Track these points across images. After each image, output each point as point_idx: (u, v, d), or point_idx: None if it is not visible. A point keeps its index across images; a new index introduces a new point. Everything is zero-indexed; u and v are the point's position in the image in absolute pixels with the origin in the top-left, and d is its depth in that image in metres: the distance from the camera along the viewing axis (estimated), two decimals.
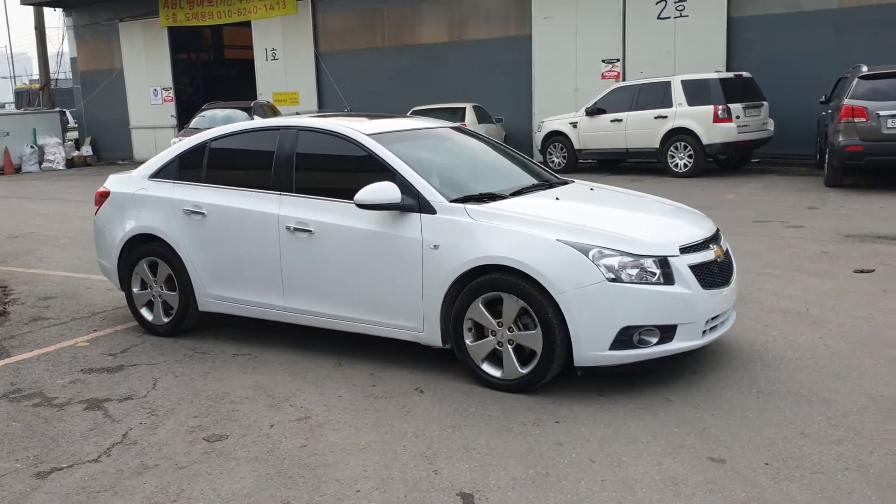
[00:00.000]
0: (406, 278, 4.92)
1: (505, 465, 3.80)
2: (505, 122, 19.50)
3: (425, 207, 4.89)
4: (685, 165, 15.30)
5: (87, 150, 27.02)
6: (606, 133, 16.36)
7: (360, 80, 22.48)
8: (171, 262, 5.93)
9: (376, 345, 5.40)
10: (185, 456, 4.04)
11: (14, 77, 64.72)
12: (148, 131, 26.28)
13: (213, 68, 30.63)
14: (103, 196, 6.38)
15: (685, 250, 4.65)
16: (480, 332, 4.77)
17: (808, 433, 4.03)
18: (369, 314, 5.14)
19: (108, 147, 27.38)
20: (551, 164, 17.27)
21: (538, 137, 17.84)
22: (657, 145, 15.58)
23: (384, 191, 4.87)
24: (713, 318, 4.76)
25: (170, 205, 5.91)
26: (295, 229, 5.29)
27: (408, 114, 17.85)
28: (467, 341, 4.80)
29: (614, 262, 4.46)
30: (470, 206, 4.84)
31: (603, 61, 18.91)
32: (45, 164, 25.04)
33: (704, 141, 14.96)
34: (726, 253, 5.08)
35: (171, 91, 26.44)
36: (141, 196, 6.10)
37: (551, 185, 5.70)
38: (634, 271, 4.47)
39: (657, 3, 17.99)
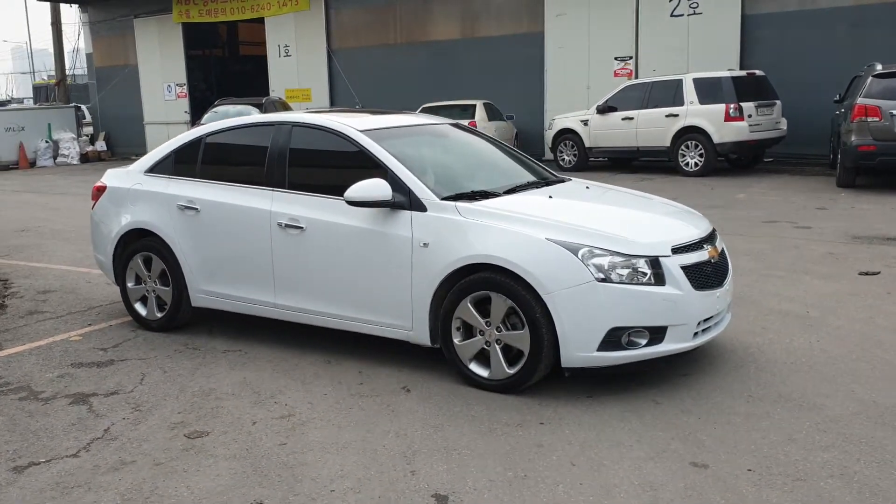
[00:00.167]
0: (395, 276, 4.87)
1: (483, 467, 3.75)
2: (516, 119, 19.43)
3: (416, 205, 4.84)
4: (696, 164, 15.16)
5: (101, 145, 27.19)
6: (617, 131, 16.24)
7: (372, 76, 22.46)
8: (164, 257, 5.91)
9: (367, 343, 5.36)
10: (163, 452, 4.01)
11: (34, 72, 65.28)
12: (161, 127, 26.35)
13: (227, 64, 30.69)
14: (100, 190, 6.38)
15: (677, 251, 4.57)
16: (469, 331, 4.72)
17: (795, 439, 3.94)
18: (359, 312, 5.10)
19: (122, 142, 27.52)
20: (562, 162, 17.19)
21: (549, 135, 17.74)
22: (668, 144, 15.46)
23: (374, 188, 4.82)
24: (706, 320, 4.68)
25: (164, 200, 5.89)
26: (286, 226, 5.25)
27: (418, 110, 17.83)
28: (455, 340, 4.74)
29: (604, 261, 4.39)
30: (461, 204, 4.78)
31: (615, 59, 18.78)
32: (59, 159, 25.20)
33: (715, 140, 14.82)
34: (721, 254, 4.99)
35: (185, 87, 26.55)
36: (136, 191, 6.09)
37: (548, 184, 5.63)
38: (624, 271, 4.40)
39: (670, 1, 17.84)
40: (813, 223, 10.00)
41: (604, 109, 16.42)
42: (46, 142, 25.09)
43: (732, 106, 14.59)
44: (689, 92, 15.14)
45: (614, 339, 4.38)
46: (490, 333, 4.60)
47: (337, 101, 22.87)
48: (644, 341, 4.44)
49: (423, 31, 21.72)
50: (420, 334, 4.88)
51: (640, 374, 4.76)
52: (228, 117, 17.98)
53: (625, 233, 4.56)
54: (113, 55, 28.04)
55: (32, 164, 24.63)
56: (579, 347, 4.38)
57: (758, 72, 15.58)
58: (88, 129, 28.93)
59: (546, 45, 19.67)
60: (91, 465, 3.89)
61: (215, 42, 30.39)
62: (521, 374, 4.53)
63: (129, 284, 6.17)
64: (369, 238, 4.95)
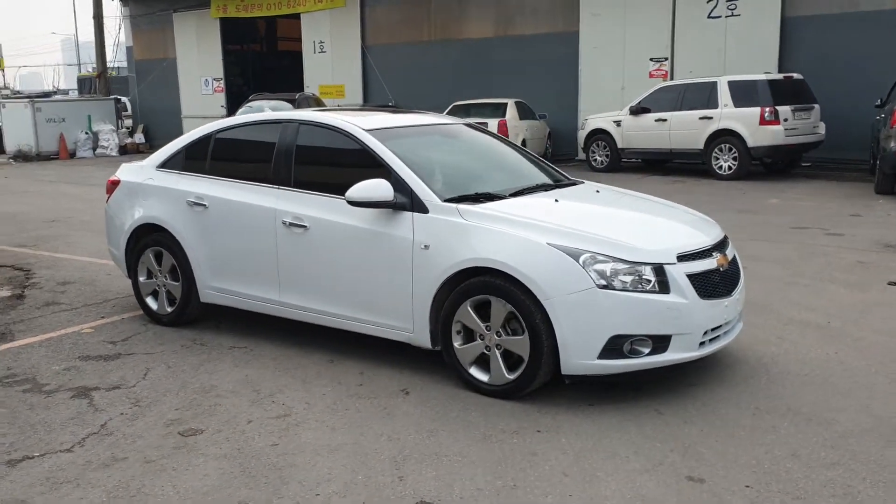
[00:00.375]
0: (397, 278, 4.81)
1: (473, 475, 3.67)
2: (549, 118, 19.26)
3: (418, 206, 4.77)
4: (730, 168, 14.88)
5: (139, 137, 27.55)
6: (650, 133, 16.01)
7: (406, 73, 22.45)
8: (174, 252, 5.92)
9: (370, 343, 5.30)
10: (155, 450, 4.00)
11: (80, 64, 66.46)
12: (198, 121, 26.54)
13: (265, 60, 30.89)
14: (114, 184, 6.42)
15: (683, 258, 4.45)
16: (469, 335, 4.64)
17: (799, 455, 3.80)
18: (361, 313, 5.05)
19: (159, 135, 27.82)
20: (594, 163, 17.02)
21: (581, 135, 17.56)
22: (701, 146, 15.19)
23: (376, 188, 4.76)
24: (713, 329, 4.55)
25: (174, 195, 5.90)
26: (290, 224, 5.22)
27: (448, 108, 17.78)
28: (456, 344, 4.67)
29: (606, 268, 4.28)
30: (462, 207, 4.70)
31: (651, 60, 18.53)
32: (98, 150, 25.59)
33: (750, 143, 14.52)
34: (732, 262, 4.85)
35: (222, 82, 26.81)
36: (148, 186, 6.11)
37: (558, 186, 5.53)
38: (628, 278, 4.29)
39: (708, 2, 17.54)
40: (846, 230, 9.74)
41: (637, 110, 16.19)
42: (86, 133, 25.50)
43: (768, 109, 14.29)
44: (724, 94, 14.85)
45: (616, 347, 4.28)
46: (490, 338, 4.52)
47: (370, 98, 22.88)
48: (647, 350, 4.33)
49: (458, 28, 21.64)
50: (421, 337, 4.81)
51: (645, 383, 4.64)
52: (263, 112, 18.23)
53: (629, 239, 4.45)
54: (152, 49, 28.42)
55: (72, 155, 25.06)
56: (579, 355, 4.28)
57: (795, 75, 15.24)
58: (128, 122, 29.36)
59: (581, 44, 19.47)
60: (83, 461, 3.89)
61: (253, 37, 30.62)
62: (520, 380, 4.44)
63: (141, 278, 6.20)
64: (371, 239, 4.90)
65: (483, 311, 4.55)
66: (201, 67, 27.08)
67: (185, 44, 27.36)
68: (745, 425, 4.15)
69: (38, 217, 12.15)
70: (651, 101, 16.10)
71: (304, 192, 5.25)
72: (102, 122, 26.19)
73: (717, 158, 15.00)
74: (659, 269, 4.32)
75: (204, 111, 26.72)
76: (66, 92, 52.57)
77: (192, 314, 6.04)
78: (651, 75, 18.40)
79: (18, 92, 51.69)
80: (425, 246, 4.69)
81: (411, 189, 4.80)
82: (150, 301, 6.20)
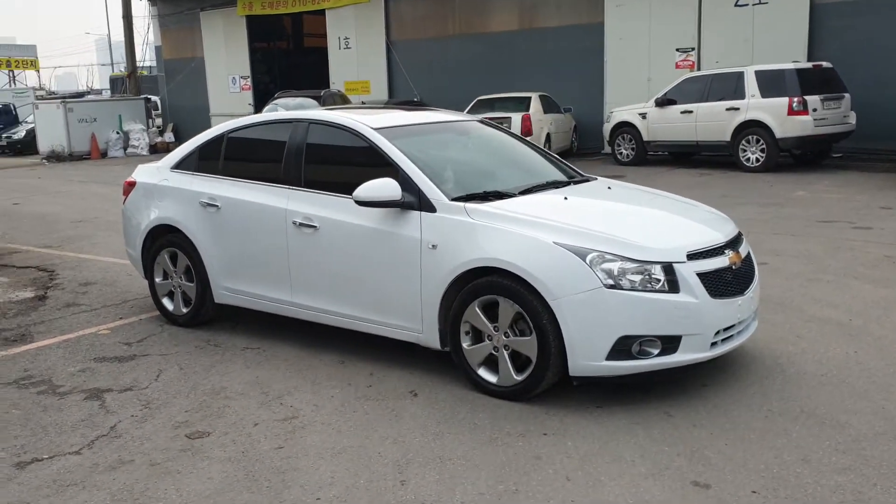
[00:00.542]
0: (405, 278, 4.79)
1: (475, 479, 3.64)
2: (574, 112, 19.11)
3: (426, 205, 4.74)
4: (757, 160, 14.64)
5: (169, 136, 27.82)
6: (676, 125, 15.80)
7: (430, 68, 22.40)
8: (189, 253, 5.96)
9: (382, 344, 5.28)
10: (162, 452, 4.02)
11: (112, 64, 67.31)
12: (226, 119, 26.80)
13: (291, 57, 31.00)
14: (130, 186, 6.47)
15: (694, 256, 4.37)
16: (478, 335, 4.60)
17: (809, 459, 3.72)
18: (371, 313, 5.04)
19: (189, 133, 27.76)
20: (619, 156, 16.85)
21: (607, 128, 17.39)
22: (728, 138, 14.95)
23: (383, 188, 4.74)
24: (726, 329, 4.47)
25: (188, 196, 5.94)
26: (301, 224, 5.23)
27: (472, 103, 17.71)
28: (464, 345, 4.64)
29: (614, 267, 4.22)
30: (470, 206, 4.66)
31: (677, 50, 18.28)
32: (129, 150, 25.89)
33: (778, 134, 14.27)
34: (745, 260, 4.75)
35: (249, 79, 26.97)
36: (162, 187, 6.15)
37: (570, 183, 5.47)
38: (636, 278, 4.22)
39: None
40: (874, 223, 9.52)
41: (662, 102, 15.98)
42: (117, 133, 25.83)
43: (796, 99, 14.02)
44: (751, 85, 14.60)
45: (624, 347, 4.21)
46: (498, 339, 4.49)
47: (395, 94, 22.87)
48: (656, 351, 4.26)
49: (482, 22, 21.54)
50: (430, 337, 4.79)
51: (655, 384, 4.57)
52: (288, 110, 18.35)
53: (638, 237, 4.38)
54: (180, 48, 28.67)
55: (104, 155, 25.39)
56: (587, 356, 4.23)
57: (825, 63, 14.94)
58: (159, 121, 29.68)
59: (606, 36, 19.27)
60: (90, 464, 3.93)
61: (280, 34, 30.73)
62: (528, 382, 4.40)
63: (157, 279, 6.26)
64: (380, 238, 4.88)
65: (491, 311, 4.51)
66: (228, 66, 27.28)
67: (213, 42, 27.57)
68: (756, 428, 4.07)
69: (67, 218, 12.32)
70: (677, 93, 15.88)
71: (314, 192, 5.25)
72: (133, 121, 26.51)
73: (745, 150, 14.77)
74: (668, 268, 4.25)
75: (232, 109, 26.89)
76: (99, 92, 53.35)
77: (207, 315, 6.08)
78: (678, 66, 18.16)
79: (54, 92, 52.61)
80: (433, 245, 4.66)
81: (419, 188, 4.77)
82: (166, 302, 6.25)
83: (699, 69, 17.54)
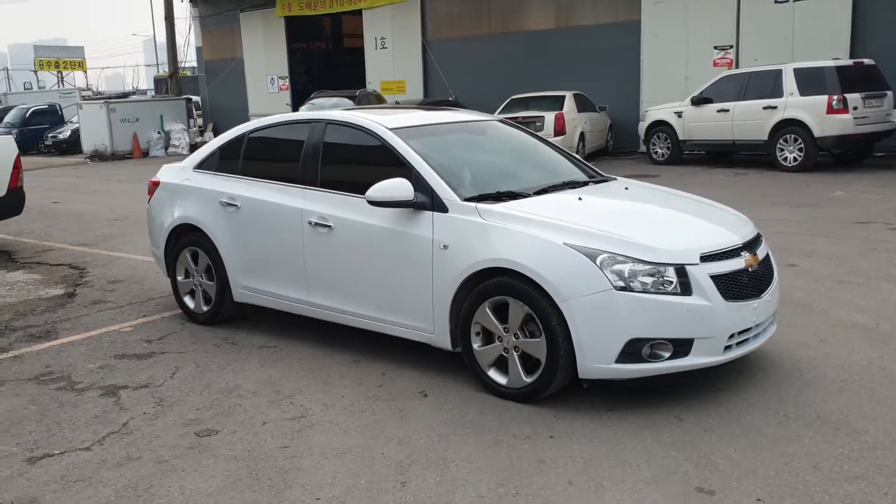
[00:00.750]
0: (417, 278, 4.78)
1: (477, 481, 3.61)
2: (610, 110, 18.94)
3: (438, 205, 4.73)
4: (795, 159, 14.35)
5: (209, 136, 28.11)
6: (712, 124, 15.56)
7: (466, 67, 22.38)
8: (209, 252, 6.02)
9: (395, 344, 5.27)
10: (169, 450, 4.06)
11: (158, 65, 68.44)
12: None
13: (330, 57, 31.23)
14: (155, 185, 6.56)
15: (707, 258, 4.28)
16: (489, 336, 4.57)
17: (820, 467, 3.62)
18: (383, 313, 5.03)
19: None
20: (654, 156, 16.66)
21: (642, 127, 17.20)
22: (765, 137, 14.68)
23: (395, 188, 4.73)
24: (741, 333, 4.37)
25: (209, 196, 6.00)
26: (316, 224, 5.24)
27: (505, 102, 17.64)
28: (475, 346, 4.61)
29: (625, 268, 4.16)
30: (481, 206, 4.63)
31: (715, 48, 18.02)
32: (170, 150, 26.29)
33: (816, 133, 13.97)
34: (764, 262, 4.65)
35: (287, 80, 27.23)
36: (184, 187, 6.22)
37: (586, 183, 5.40)
38: (647, 280, 4.16)
39: None
40: None
41: (698, 101, 15.75)
42: (158, 133, 26.25)
43: (836, 97, 13.71)
44: (789, 83, 14.31)
45: (635, 350, 4.15)
46: (508, 340, 4.45)
47: (431, 93, 22.90)
48: (668, 354, 4.19)
49: (517, 20, 21.46)
50: (441, 338, 4.77)
51: (668, 388, 4.50)
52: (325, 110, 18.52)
53: (650, 239, 4.30)
54: (221, 48, 29.06)
55: (145, 154, 25.83)
56: (597, 358, 4.17)
57: (867, 60, 14.58)
58: (199, 121, 30.12)
59: (643, 34, 19.07)
60: (99, 460, 3.98)
61: (319, 35, 30.97)
62: (538, 384, 4.36)
63: (179, 278, 6.33)
64: (393, 238, 4.87)
65: (502, 312, 4.47)
66: (267, 66, 27.58)
67: (252, 43, 27.89)
68: (768, 434, 3.97)
69: (103, 216, 12.54)
70: (713, 91, 15.64)
71: (329, 192, 5.26)
72: (174, 121, 26.92)
73: (783, 149, 14.49)
74: (680, 270, 4.18)
75: (270, 109, 27.11)
76: (143, 92, 54.22)
77: (227, 313, 6.14)
78: (715, 64, 17.90)
79: (100, 93, 53.67)
80: (444, 246, 4.64)
81: (431, 188, 4.76)
82: (187, 300, 6.32)
83: (738, 67, 17.26)
